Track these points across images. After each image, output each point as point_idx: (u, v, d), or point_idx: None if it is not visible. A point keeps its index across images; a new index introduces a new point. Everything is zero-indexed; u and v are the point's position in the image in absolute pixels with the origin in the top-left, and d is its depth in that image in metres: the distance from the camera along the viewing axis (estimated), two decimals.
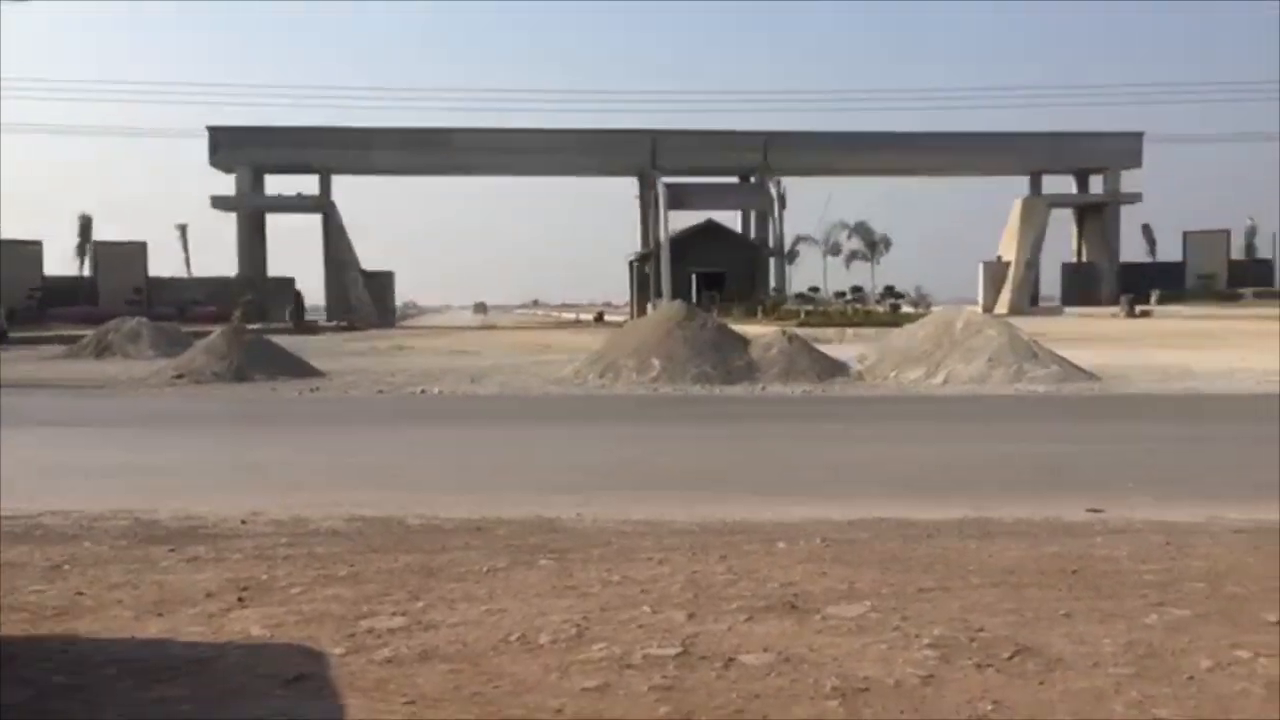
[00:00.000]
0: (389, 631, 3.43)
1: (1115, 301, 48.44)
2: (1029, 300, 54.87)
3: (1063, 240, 59.96)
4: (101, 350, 23.71)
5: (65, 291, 48.11)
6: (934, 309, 23.94)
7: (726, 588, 3.92)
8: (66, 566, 4.34)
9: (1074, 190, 58.70)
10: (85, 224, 52.99)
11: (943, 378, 14.71)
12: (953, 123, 73.06)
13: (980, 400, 12.88)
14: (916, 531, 5.00)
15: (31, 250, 49.37)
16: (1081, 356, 16.19)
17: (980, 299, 53.78)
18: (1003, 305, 51.63)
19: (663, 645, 3.23)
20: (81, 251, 53.39)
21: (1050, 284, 59.44)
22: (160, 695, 2.86)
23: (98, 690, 2.90)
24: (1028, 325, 20.58)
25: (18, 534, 5.02)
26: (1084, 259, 58.77)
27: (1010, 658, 3.11)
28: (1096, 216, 57.32)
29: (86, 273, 52.32)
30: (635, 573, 4.15)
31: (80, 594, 3.90)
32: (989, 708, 2.72)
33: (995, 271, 56.41)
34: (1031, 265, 55.94)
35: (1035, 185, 57.54)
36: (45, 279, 49.29)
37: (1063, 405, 12.19)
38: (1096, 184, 57.55)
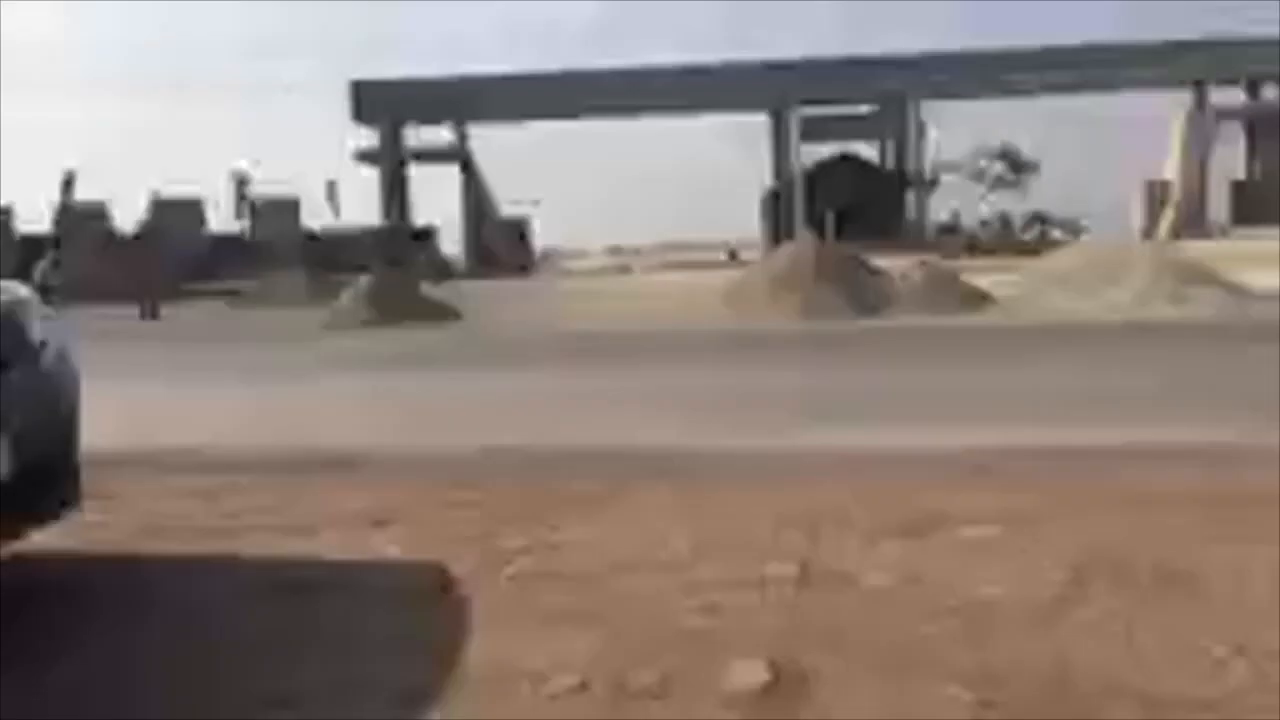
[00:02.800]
0: (514, 551, 3.53)
1: None
2: (1194, 222, 51.32)
3: (1234, 157, 55.60)
4: (261, 301, 25.11)
5: (227, 246, 50.82)
6: (1086, 235, 22.69)
7: (851, 510, 3.86)
8: (223, 492, 4.63)
9: (1244, 101, 54.21)
10: (241, 180, 55.51)
11: (1093, 305, 14.00)
12: (1111, 32, 68.27)
13: (1135, 326, 12.20)
14: (1061, 457, 4.80)
15: (194, 207, 52.29)
16: (1252, 280, 15.11)
17: (1139, 222, 50.61)
18: (1164, 228, 48.50)
19: (781, 565, 3.22)
20: (239, 207, 56.03)
21: (1220, 205, 55.33)
22: (303, 607, 3.04)
23: (245, 602, 3.10)
24: (1191, 248, 19.31)
25: (182, 465, 5.38)
26: (1256, 177, 54.42)
27: (1151, 582, 2.95)
28: (1271, 129, 52.85)
29: (245, 227, 55.01)
30: (755, 498, 4.13)
31: (234, 517, 4.16)
32: (1121, 628, 2.59)
33: (1156, 193, 52.87)
34: (1196, 185, 52.19)
35: (1200, 97, 53.41)
36: (209, 234, 52.17)
37: (1227, 329, 11.44)
38: (1271, 94, 52.95)
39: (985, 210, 54.98)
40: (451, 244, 54.73)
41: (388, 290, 17.90)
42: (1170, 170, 52.88)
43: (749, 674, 2.41)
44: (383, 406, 8.22)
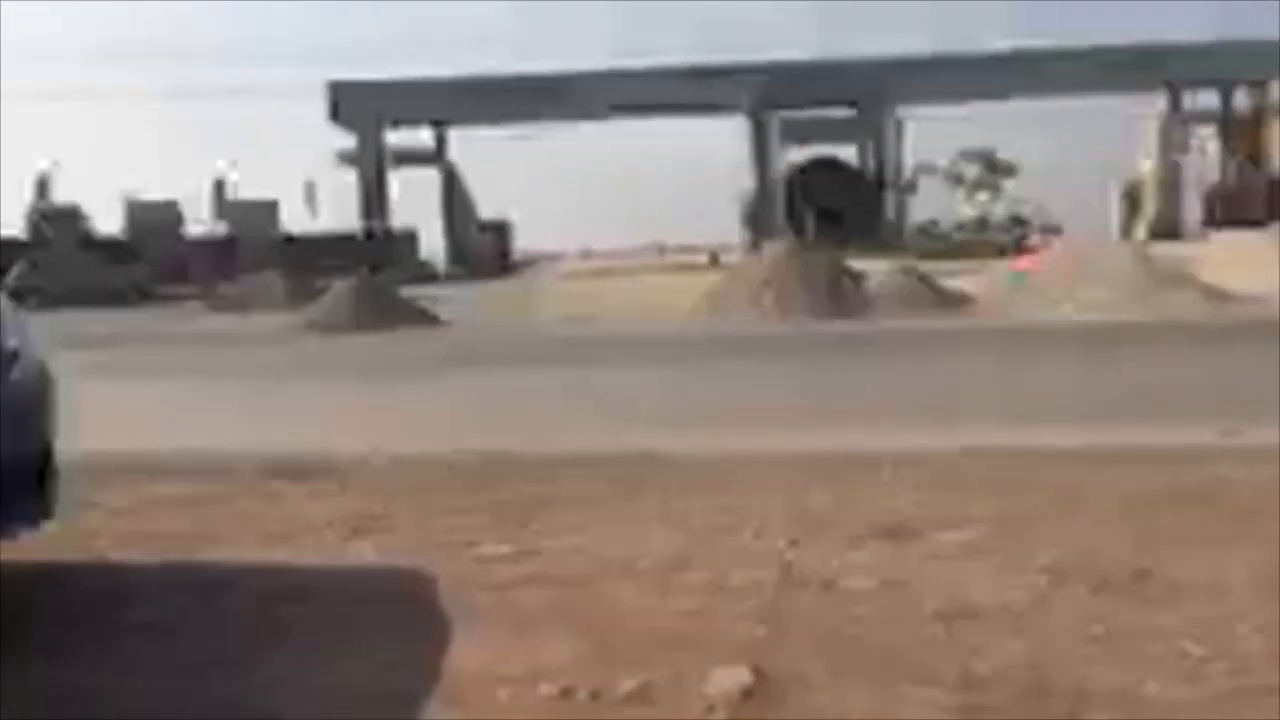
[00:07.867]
0: (496, 558, 3.51)
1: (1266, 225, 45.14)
2: (1171, 226, 51.79)
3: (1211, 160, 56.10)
4: (239, 305, 24.92)
5: (204, 249, 50.34)
6: (1062, 237, 22.93)
7: (829, 515, 3.87)
8: (200, 500, 4.59)
9: (1219, 105, 54.76)
10: (219, 184, 55.07)
11: (1069, 307, 14.12)
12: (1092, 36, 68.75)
13: (1109, 329, 12.31)
14: (1034, 459, 4.82)
15: (170, 210, 51.74)
16: (1228, 281, 15.27)
17: (1116, 225, 51.04)
18: (1141, 231, 48.92)
19: (762, 570, 3.22)
20: (217, 210, 55.56)
21: (1196, 209, 55.77)
22: (282, 614, 3.01)
23: (224, 610, 3.07)
24: (1167, 251, 19.51)
25: (158, 470, 5.32)
26: (1231, 181, 54.95)
27: (1128, 582, 2.98)
28: (1245, 134, 53.41)
29: (222, 231, 54.54)
30: (737, 502, 4.14)
31: (211, 524, 4.12)
32: (1100, 630, 2.61)
33: (1132, 196, 53.32)
34: (1172, 189, 52.68)
35: (1175, 101, 53.92)
36: (185, 238, 51.66)
37: (1203, 331, 11.56)
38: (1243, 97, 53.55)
39: (966, 213, 55.40)
40: (430, 247, 54.49)
41: (367, 294, 17.83)
42: (1145, 173, 53.38)
43: (731, 678, 2.40)
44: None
